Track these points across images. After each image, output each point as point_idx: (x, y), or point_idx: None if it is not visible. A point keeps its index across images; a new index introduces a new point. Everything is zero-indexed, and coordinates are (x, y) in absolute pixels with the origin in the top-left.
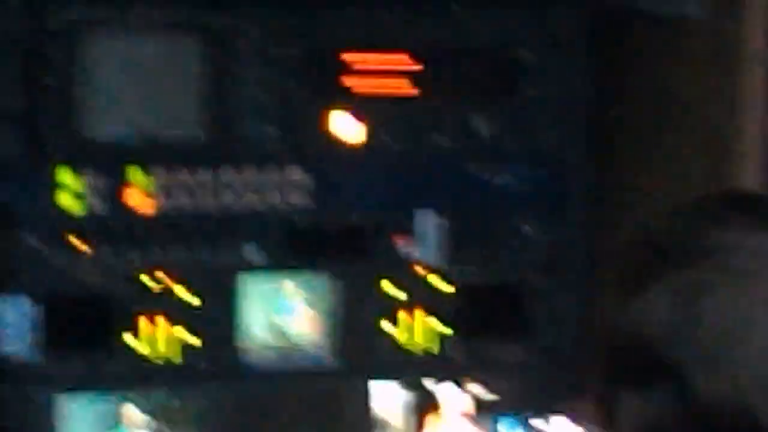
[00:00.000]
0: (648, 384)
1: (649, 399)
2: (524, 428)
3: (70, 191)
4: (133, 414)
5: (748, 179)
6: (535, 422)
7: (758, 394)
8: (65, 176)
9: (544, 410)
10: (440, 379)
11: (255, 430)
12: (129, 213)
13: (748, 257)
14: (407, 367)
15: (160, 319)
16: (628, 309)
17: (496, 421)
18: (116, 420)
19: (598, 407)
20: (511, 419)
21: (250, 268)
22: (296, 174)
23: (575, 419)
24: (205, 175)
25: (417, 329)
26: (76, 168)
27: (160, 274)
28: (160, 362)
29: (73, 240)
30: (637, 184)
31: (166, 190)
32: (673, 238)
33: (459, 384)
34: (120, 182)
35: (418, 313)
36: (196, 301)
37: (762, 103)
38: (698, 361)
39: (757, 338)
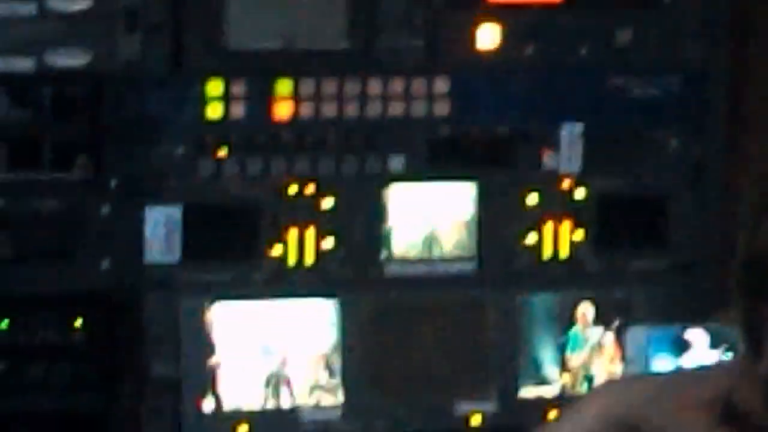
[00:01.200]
0: None
1: None
2: (664, 339)
3: (217, 102)
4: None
5: None
6: (676, 333)
7: None
8: (212, 88)
9: (684, 321)
10: (581, 289)
11: (397, 339)
12: (275, 123)
13: None
14: (549, 279)
15: (305, 228)
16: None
17: (635, 332)
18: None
19: (740, 320)
20: (651, 330)
21: (395, 178)
22: (441, 85)
23: (716, 331)
24: (350, 86)
25: (560, 240)
26: (223, 79)
27: (305, 184)
28: (305, 270)
29: (220, 150)
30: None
31: (312, 101)
32: None
33: (599, 294)
34: (267, 93)
35: (561, 225)
36: (341, 211)
37: None
38: None
39: None
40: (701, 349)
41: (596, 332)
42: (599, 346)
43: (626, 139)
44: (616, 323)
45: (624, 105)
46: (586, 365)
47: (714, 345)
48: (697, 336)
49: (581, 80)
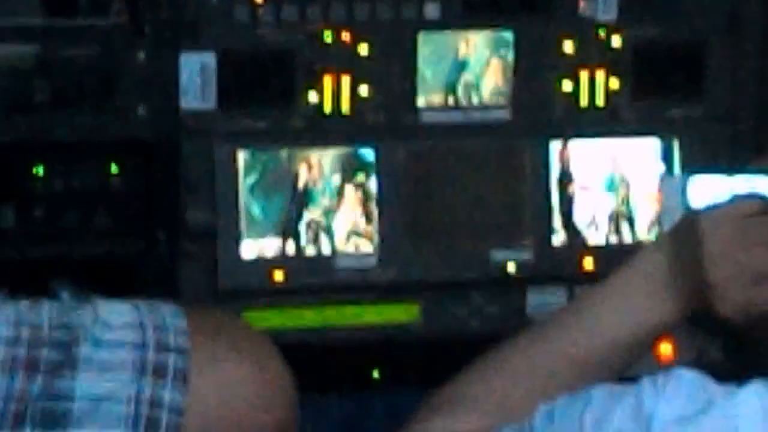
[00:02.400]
0: None
1: None
2: (703, 184)
3: None
4: (319, 166)
5: None
6: (716, 177)
7: None
8: None
9: (720, 169)
10: (617, 137)
11: (433, 186)
12: None
13: None
14: (585, 126)
15: (341, 75)
16: None
17: (670, 181)
18: (295, 174)
19: None
20: (687, 178)
21: (430, 25)
22: None
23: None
24: None
25: (596, 89)
26: None
27: (341, 31)
28: (340, 118)
29: None
30: None
31: None
32: None
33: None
34: None
35: (597, 73)
36: (376, 58)
37: None
38: None
39: None
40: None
41: (631, 177)
42: (637, 187)
43: None
44: (653, 169)
45: None
46: (624, 211)
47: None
48: (732, 183)
49: None
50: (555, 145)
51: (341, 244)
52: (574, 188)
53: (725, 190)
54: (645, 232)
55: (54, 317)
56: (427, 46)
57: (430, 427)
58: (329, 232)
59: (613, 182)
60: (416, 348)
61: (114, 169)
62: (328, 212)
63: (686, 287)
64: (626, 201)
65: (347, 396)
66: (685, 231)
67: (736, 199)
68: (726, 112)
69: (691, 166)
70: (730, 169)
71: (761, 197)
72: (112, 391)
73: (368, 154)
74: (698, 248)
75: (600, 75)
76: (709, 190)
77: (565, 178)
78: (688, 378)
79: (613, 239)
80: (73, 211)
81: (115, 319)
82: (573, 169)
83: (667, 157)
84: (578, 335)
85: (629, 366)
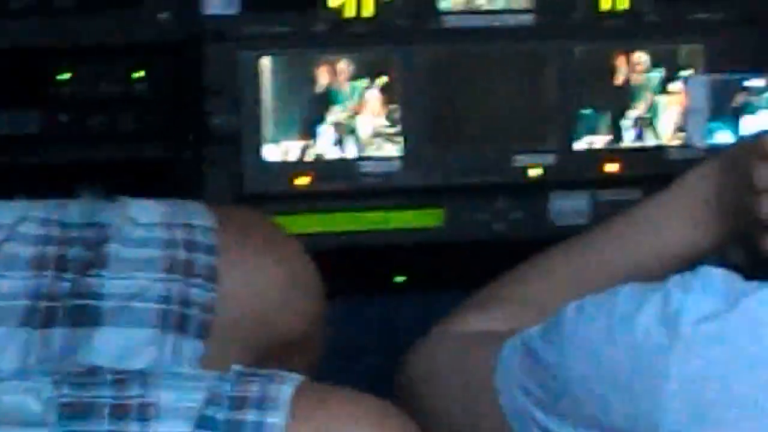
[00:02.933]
0: None
1: None
2: (728, 88)
3: None
4: (342, 70)
5: None
6: (741, 82)
7: None
8: None
9: (748, 72)
10: (640, 40)
11: (455, 91)
12: None
13: None
14: (607, 30)
15: None
16: None
17: (695, 82)
18: (318, 79)
19: None
20: (712, 79)
21: None
22: None
23: None
24: None
25: None
26: None
27: None
28: (362, 22)
29: None
30: None
31: None
32: None
33: (658, 47)
34: None
35: None
36: None
37: None
38: None
39: None
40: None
41: (657, 79)
42: (662, 92)
43: None
44: (676, 71)
45: None
46: (647, 116)
47: None
48: (758, 85)
49: None
50: (578, 50)
51: (365, 148)
52: (596, 93)
53: (746, 94)
54: (668, 136)
55: (83, 216)
56: None
57: (464, 324)
58: (353, 135)
59: (637, 86)
60: (440, 252)
61: (138, 73)
62: (352, 116)
63: (733, 213)
64: (650, 105)
65: (374, 299)
66: (738, 157)
67: None
68: (751, 15)
69: (717, 69)
70: (756, 72)
71: None
72: (141, 288)
73: (391, 58)
74: (748, 180)
75: None
76: (734, 92)
77: (588, 83)
78: (715, 275)
79: (637, 143)
80: (98, 115)
81: (144, 217)
82: (595, 73)
83: (691, 61)
84: (622, 248)
85: None
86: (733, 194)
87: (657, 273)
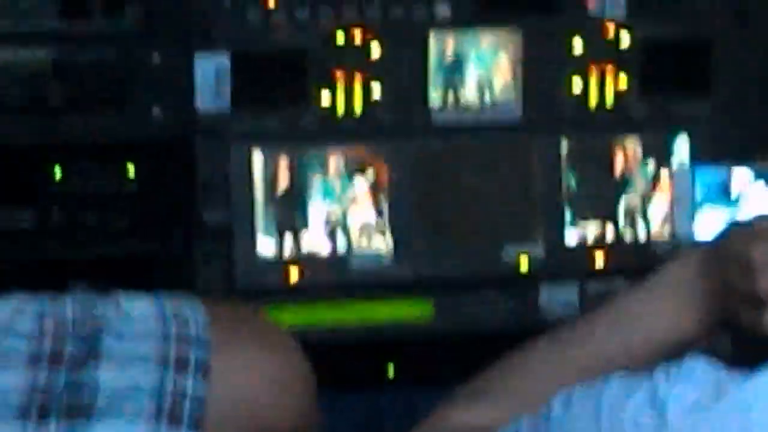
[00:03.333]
0: None
1: None
2: (711, 182)
3: None
4: (332, 165)
5: None
6: (722, 174)
7: None
8: None
9: (734, 162)
10: (627, 133)
11: (445, 185)
12: None
13: None
14: (595, 124)
15: (354, 75)
16: None
17: (681, 174)
18: (310, 173)
19: None
20: (697, 170)
21: (442, 24)
22: None
23: (760, 170)
24: None
25: (605, 86)
26: None
27: (353, 31)
28: (352, 118)
29: None
30: None
31: None
32: None
33: (645, 139)
34: None
35: (606, 69)
36: (387, 58)
37: None
38: None
39: None
40: (746, 189)
41: (644, 172)
42: (649, 184)
43: None
44: (663, 163)
45: None
46: (635, 207)
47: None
48: (742, 175)
49: None
50: (565, 143)
51: (356, 242)
52: (586, 185)
53: (732, 183)
54: (657, 226)
55: (77, 311)
56: (438, 45)
57: (447, 420)
58: (344, 229)
59: (624, 179)
60: (431, 345)
61: (131, 170)
62: (343, 211)
63: (721, 297)
64: (637, 197)
65: (363, 393)
66: (732, 240)
67: None
68: (733, 108)
69: (700, 160)
70: (737, 162)
71: None
72: (135, 382)
73: (380, 153)
74: (746, 258)
75: (609, 72)
76: (717, 182)
77: (576, 176)
78: (701, 366)
79: (626, 236)
80: (91, 212)
81: (138, 311)
82: (584, 166)
83: (676, 153)
84: (608, 337)
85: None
86: (722, 279)
87: (643, 362)
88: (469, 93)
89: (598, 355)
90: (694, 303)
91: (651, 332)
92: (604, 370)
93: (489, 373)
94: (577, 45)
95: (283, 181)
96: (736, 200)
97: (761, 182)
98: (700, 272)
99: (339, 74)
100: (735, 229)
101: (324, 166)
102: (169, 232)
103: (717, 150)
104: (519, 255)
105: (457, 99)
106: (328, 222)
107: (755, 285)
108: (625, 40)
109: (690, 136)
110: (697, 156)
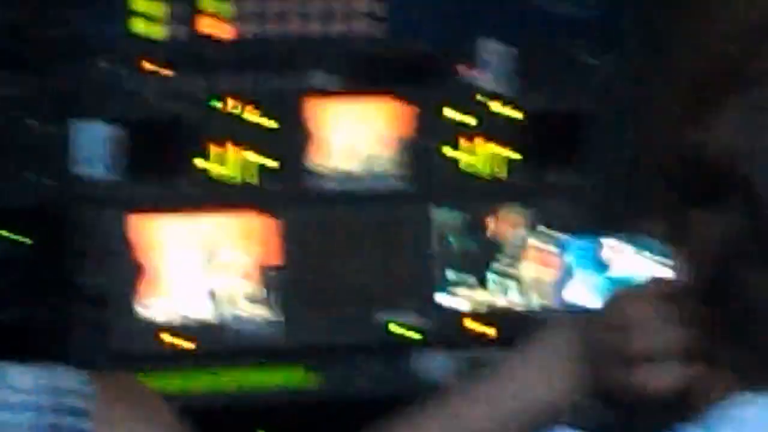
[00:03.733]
0: (716, 200)
1: (718, 214)
2: (584, 251)
3: (146, 17)
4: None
5: None
6: (595, 244)
7: None
8: (140, 3)
9: (605, 231)
10: (502, 202)
11: (319, 252)
12: (202, 39)
13: None
14: (470, 192)
15: (231, 143)
16: (693, 130)
17: (560, 242)
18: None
19: (668, 226)
20: (570, 240)
21: (319, 93)
22: (363, 2)
23: (641, 237)
24: (274, 3)
25: (480, 155)
26: None
27: (231, 99)
28: (231, 184)
29: (147, 65)
30: (691, 15)
31: (238, 18)
32: (740, 60)
33: (519, 207)
34: (194, 9)
35: (480, 139)
36: (266, 125)
37: None
38: (765, 175)
39: None
40: (618, 257)
41: (519, 240)
42: (524, 252)
43: (542, 56)
44: (537, 232)
45: (540, 22)
46: (510, 274)
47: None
48: (613, 245)
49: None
50: (441, 211)
51: (234, 309)
52: (460, 253)
53: (603, 252)
54: (530, 295)
55: None
56: (315, 112)
57: None
58: (222, 296)
59: (499, 246)
60: (307, 410)
61: (4, 235)
62: (221, 277)
63: (593, 361)
64: (512, 265)
65: None
66: (612, 304)
67: (653, 281)
68: (606, 179)
69: (574, 229)
70: (610, 231)
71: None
72: None
73: (263, 220)
74: (622, 327)
75: (486, 142)
76: (588, 250)
77: (453, 243)
78: None
79: (498, 302)
80: None
81: (20, 383)
82: (460, 234)
83: (551, 221)
84: (481, 406)
85: None
86: (595, 344)
87: (517, 430)
88: (344, 161)
89: (471, 424)
90: (566, 370)
91: (522, 404)
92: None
93: None
94: (453, 116)
95: (162, 248)
96: (607, 267)
97: (632, 250)
98: (573, 338)
99: (217, 141)
100: (618, 292)
101: (202, 233)
102: (45, 298)
103: (590, 219)
104: (394, 322)
105: (332, 166)
106: (206, 288)
107: (630, 344)
108: (500, 111)
109: (564, 205)
110: (570, 225)
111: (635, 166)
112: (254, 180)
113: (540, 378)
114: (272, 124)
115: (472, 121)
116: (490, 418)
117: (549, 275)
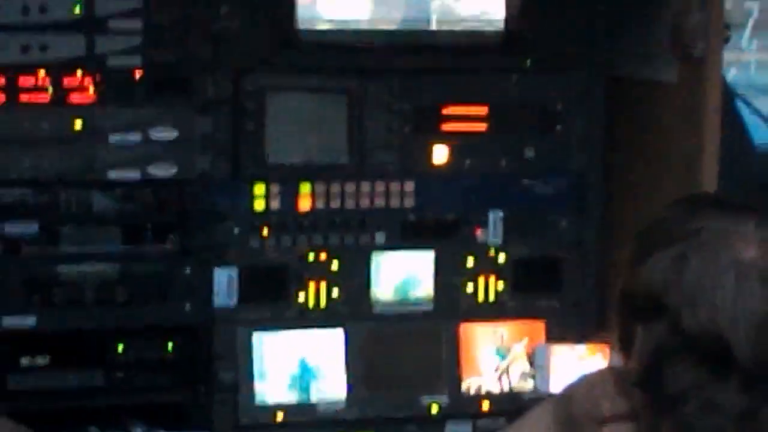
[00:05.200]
0: (651, 321)
1: (653, 331)
2: (564, 356)
3: (260, 197)
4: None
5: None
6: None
7: (726, 326)
8: (258, 188)
9: (573, 342)
10: (501, 320)
11: (383, 354)
12: (299, 211)
13: (712, 236)
14: (484, 313)
15: (320, 282)
16: (637, 271)
17: (540, 350)
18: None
19: (618, 339)
20: (552, 348)
21: (379, 248)
22: (409, 186)
23: (601, 348)
24: (349, 186)
25: (489, 288)
26: (265, 183)
27: (320, 252)
28: (320, 310)
29: (262, 230)
30: (631, 194)
31: (323, 196)
32: (667, 225)
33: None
34: (293, 191)
35: (489, 277)
36: (343, 271)
37: (718, 142)
38: (684, 304)
39: (722, 289)
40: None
41: (516, 347)
42: (520, 355)
43: (532, 221)
44: (529, 341)
45: (531, 198)
46: (510, 370)
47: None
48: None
49: (501, 182)
50: (463, 327)
51: (322, 395)
52: (476, 354)
53: (576, 356)
54: (523, 383)
55: None
56: (376, 262)
57: None
58: (315, 385)
59: (500, 351)
60: None
61: (170, 346)
62: (315, 372)
63: (575, 427)
64: (511, 363)
65: None
66: (578, 388)
67: (609, 368)
68: (578, 304)
69: (553, 340)
70: (579, 341)
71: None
72: None
73: (339, 333)
74: (593, 398)
75: (491, 280)
76: (565, 356)
77: (469, 348)
78: None
79: (503, 388)
80: (142, 374)
81: None
82: (474, 342)
83: (537, 334)
84: None
85: None
86: (570, 412)
87: None
88: (398, 293)
89: None
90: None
91: None
92: None
93: None
94: (470, 262)
95: (275, 354)
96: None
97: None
98: (553, 411)
99: (311, 281)
100: (586, 375)
101: (302, 344)
102: (196, 387)
103: (565, 334)
104: (431, 401)
105: (389, 297)
106: (306, 379)
107: (600, 409)
108: (502, 258)
109: (546, 323)
110: (550, 337)
111: (596, 296)
112: (334, 307)
113: None
114: (347, 270)
115: (482, 265)
116: None
117: (537, 372)
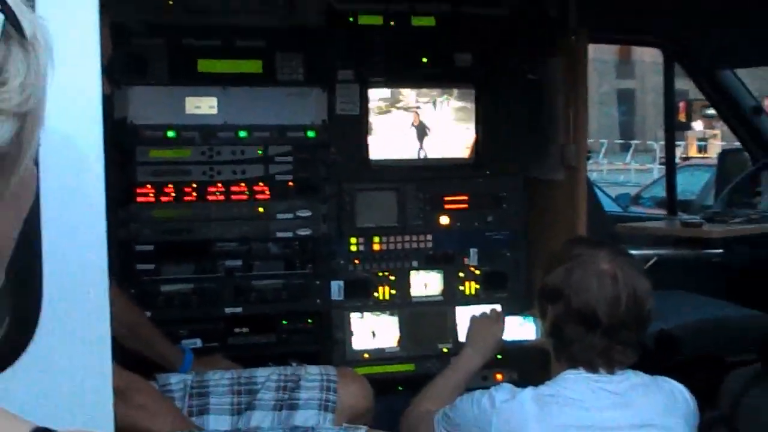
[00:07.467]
0: (555, 303)
1: (556, 308)
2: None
3: (354, 244)
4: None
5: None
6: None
7: (594, 304)
8: (352, 239)
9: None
10: (476, 304)
11: (415, 325)
12: (373, 251)
13: (585, 257)
14: (467, 301)
15: (384, 288)
16: (548, 275)
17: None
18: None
19: (539, 312)
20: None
21: (414, 269)
22: (429, 237)
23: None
24: (398, 237)
25: (471, 288)
26: (356, 237)
27: (384, 272)
28: (384, 302)
29: (354, 261)
30: (543, 237)
31: (385, 243)
32: (561, 253)
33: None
34: (370, 240)
35: (471, 282)
36: (395, 282)
37: (585, 210)
38: (572, 293)
39: (592, 285)
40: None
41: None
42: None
43: (491, 254)
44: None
45: (491, 242)
46: None
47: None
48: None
49: (476, 234)
50: (458, 309)
51: (388, 345)
52: (464, 322)
53: (516, 322)
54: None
55: None
56: (413, 276)
57: (416, 406)
58: (383, 341)
59: None
60: None
61: (310, 321)
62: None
63: (487, 353)
64: None
65: None
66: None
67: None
68: (516, 295)
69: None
70: (517, 314)
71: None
72: None
73: (395, 316)
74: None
75: (472, 284)
76: (511, 321)
77: (462, 320)
78: (505, 384)
79: None
80: (297, 336)
81: None
82: (463, 317)
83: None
84: (455, 378)
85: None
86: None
87: (466, 382)
88: (423, 292)
89: (456, 384)
90: (481, 357)
91: (469, 375)
92: (458, 390)
93: (427, 389)
94: (461, 275)
95: (361, 326)
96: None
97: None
98: (484, 344)
99: (379, 287)
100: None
101: (373, 321)
102: (323, 342)
103: (511, 310)
104: (443, 347)
105: (422, 291)
106: None
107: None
108: (477, 272)
109: (501, 305)
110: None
111: (526, 288)
112: (391, 300)
113: (455, 364)
114: (396, 281)
115: (467, 277)
116: (458, 382)
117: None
